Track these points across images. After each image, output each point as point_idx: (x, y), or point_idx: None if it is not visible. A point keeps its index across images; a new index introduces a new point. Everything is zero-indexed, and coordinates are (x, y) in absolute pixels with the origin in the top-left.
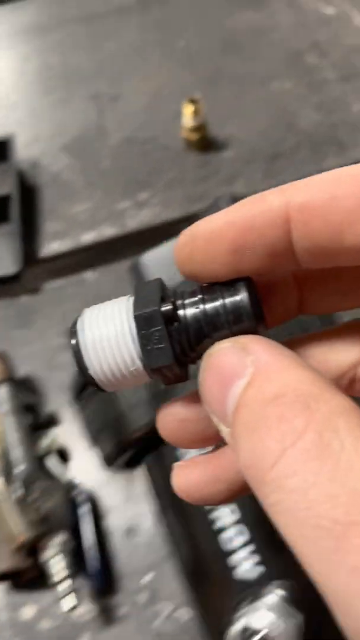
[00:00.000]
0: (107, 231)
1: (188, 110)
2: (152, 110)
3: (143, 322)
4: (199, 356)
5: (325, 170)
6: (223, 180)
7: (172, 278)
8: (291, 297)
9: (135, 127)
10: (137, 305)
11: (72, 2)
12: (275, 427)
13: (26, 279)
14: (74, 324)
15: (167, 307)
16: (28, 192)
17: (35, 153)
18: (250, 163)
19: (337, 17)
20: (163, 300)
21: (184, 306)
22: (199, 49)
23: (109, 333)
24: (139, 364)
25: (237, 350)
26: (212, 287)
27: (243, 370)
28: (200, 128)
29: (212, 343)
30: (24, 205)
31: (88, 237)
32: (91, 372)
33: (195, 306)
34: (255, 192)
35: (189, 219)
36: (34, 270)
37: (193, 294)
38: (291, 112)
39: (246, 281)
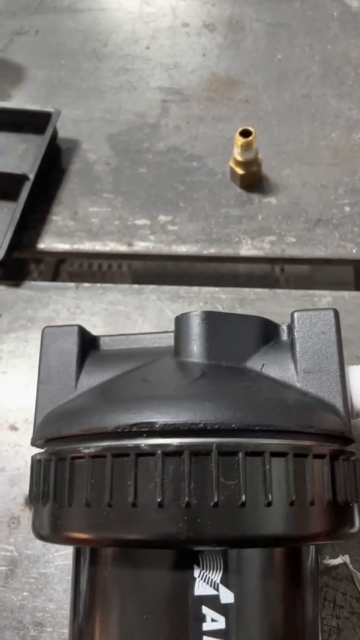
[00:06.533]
0: (111, 246)
1: (238, 142)
2: (214, 125)
3: None
4: None
5: None
6: (252, 231)
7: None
8: None
9: (188, 138)
10: None
11: None
12: None
13: (10, 268)
14: None
15: None
16: (53, 175)
17: (81, 132)
18: (288, 220)
19: None
20: None
21: None
22: (293, 68)
23: None
24: None
25: None
26: None
27: None
28: (249, 164)
29: None
30: (41, 188)
31: (89, 246)
32: None
33: None
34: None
35: (198, 259)
36: (23, 259)
37: None
38: None
39: None
